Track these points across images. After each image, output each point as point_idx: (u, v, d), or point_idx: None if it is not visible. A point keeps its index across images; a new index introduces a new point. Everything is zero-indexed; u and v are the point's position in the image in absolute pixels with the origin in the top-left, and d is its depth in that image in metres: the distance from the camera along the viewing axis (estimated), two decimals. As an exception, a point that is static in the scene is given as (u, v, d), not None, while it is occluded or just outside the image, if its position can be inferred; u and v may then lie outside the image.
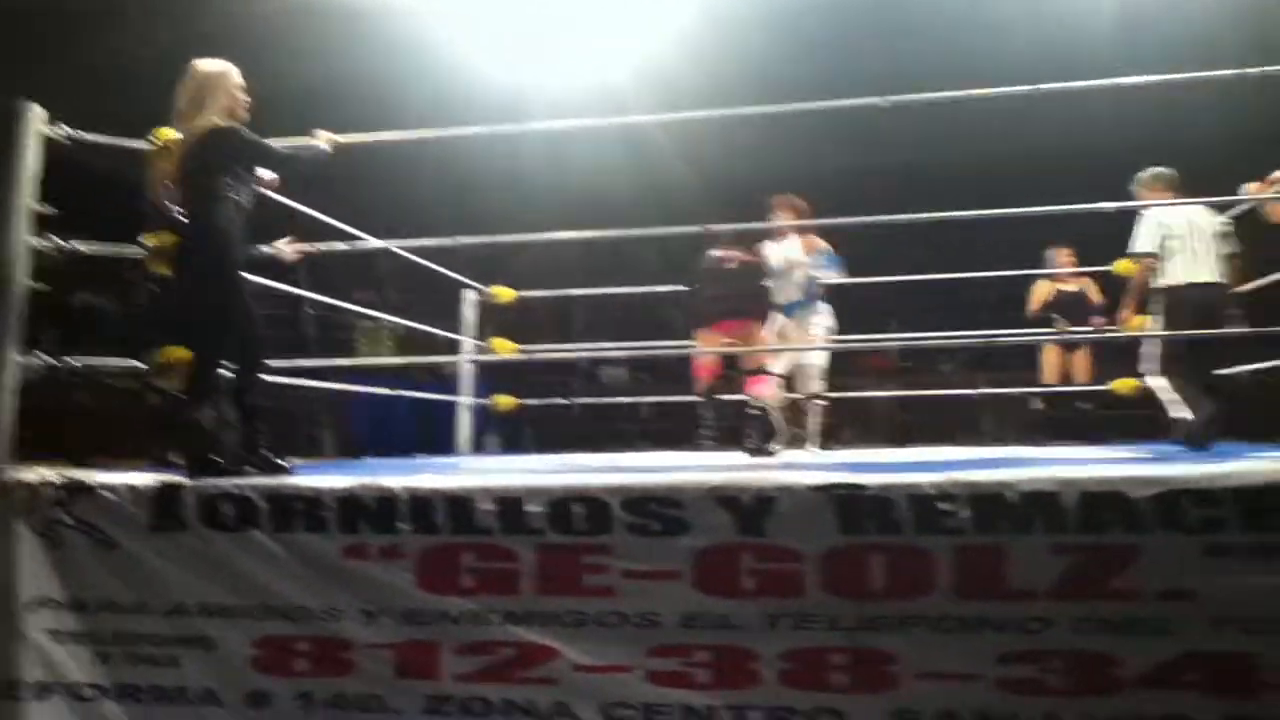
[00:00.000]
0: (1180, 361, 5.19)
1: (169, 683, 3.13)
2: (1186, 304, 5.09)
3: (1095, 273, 6.96)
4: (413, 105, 7.84)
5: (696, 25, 8.49)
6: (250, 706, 3.08)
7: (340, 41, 8.75)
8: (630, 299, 11.28)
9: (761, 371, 5.55)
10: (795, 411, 5.76)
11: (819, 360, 5.67)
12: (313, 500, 3.14)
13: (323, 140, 4.21)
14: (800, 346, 5.78)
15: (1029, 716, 2.72)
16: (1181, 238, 5.17)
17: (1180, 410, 5.20)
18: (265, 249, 4.53)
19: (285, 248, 4.45)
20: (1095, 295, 7.14)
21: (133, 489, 3.25)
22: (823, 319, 5.74)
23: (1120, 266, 5.86)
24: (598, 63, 8.85)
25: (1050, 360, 7.31)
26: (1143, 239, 5.24)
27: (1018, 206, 4.89)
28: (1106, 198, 4.70)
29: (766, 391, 5.51)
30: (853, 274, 7.36)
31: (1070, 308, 7.21)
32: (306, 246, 4.81)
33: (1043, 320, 7.27)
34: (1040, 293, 7.42)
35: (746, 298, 5.56)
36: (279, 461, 3.71)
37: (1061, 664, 2.73)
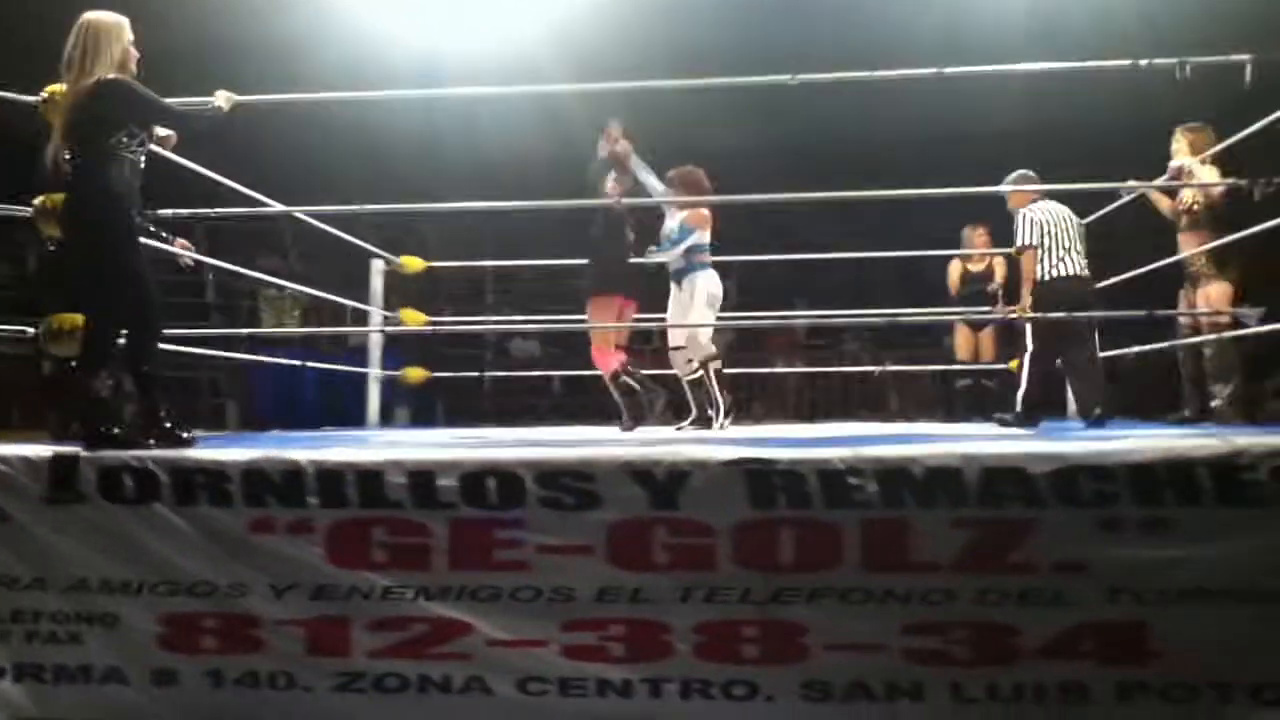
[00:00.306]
0: (1049, 348, 5.47)
1: (72, 661, 3.04)
2: (1057, 294, 5.35)
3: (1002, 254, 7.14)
4: (321, 67, 7.64)
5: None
6: (157, 685, 3.01)
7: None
8: (542, 271, 11.24)
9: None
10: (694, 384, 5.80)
11: (700, 330, 5.71)
12: (216, 473, 3.06)
13: (222, 99, 4.08)
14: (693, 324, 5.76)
15: (935, 686, 2.81)
16: (1053, 234, 5.41)
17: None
18: (163, 213, 4.40)
19: (183, 252, 4.35)
20: (1001, 276, 7.32)
21: (26, 460, 3.13)
22: (702, 284, 5.71)
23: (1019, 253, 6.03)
24: (510, 25, 8.72)
25: (961, 339, 7.51)
26: (1025, 233, 5.46)
27: (930, 186, 5.00)
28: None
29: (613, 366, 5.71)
30: (763, 250, 7.46)
31: (977, 287, 7.37)
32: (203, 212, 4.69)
33: (964, 299, 7.43)
34: (954, 273, 7.60)
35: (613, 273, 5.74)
36: (180, 433, 3.61)
37: (965, 634, 2.82)
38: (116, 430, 3.41)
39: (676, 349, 5.83)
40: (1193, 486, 2.80)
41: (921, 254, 7.54)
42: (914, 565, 2.85)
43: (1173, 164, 5.63)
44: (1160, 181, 5.72)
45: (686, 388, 5.80)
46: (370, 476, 3.02)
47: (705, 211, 5.74)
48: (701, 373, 5.63)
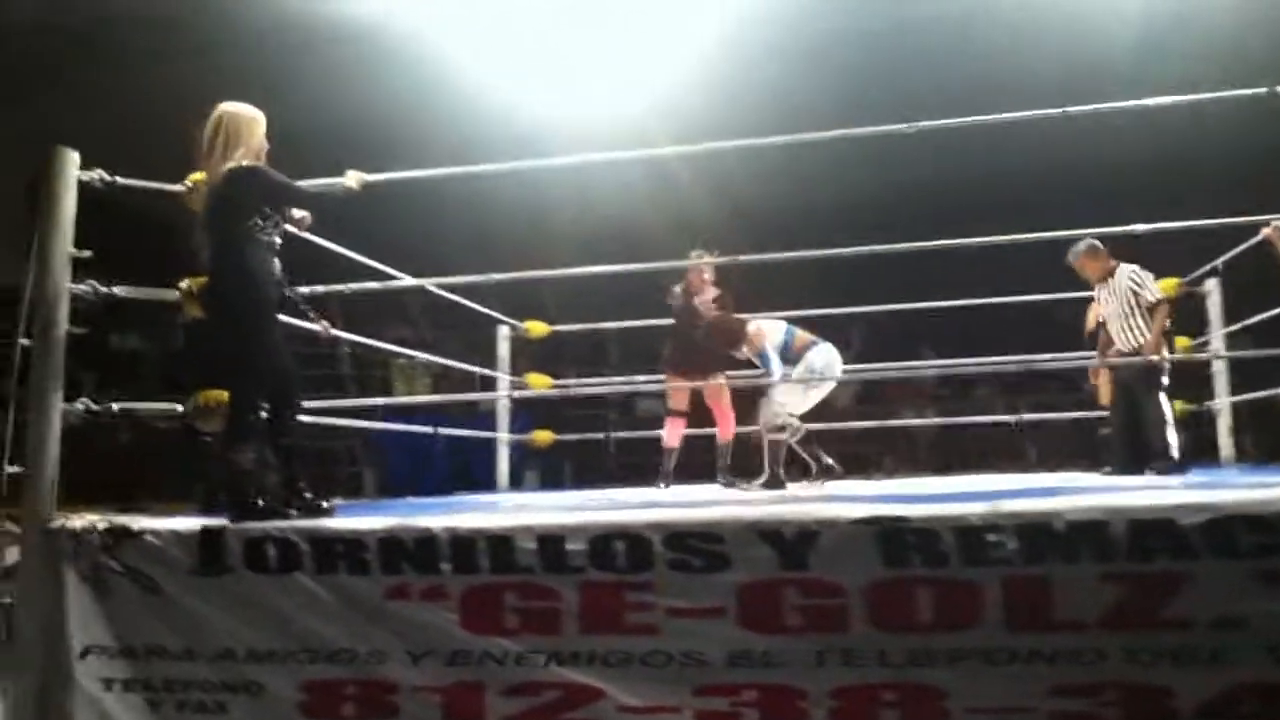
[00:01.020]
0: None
1: (218, 729, 3.13)
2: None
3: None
4: (432, 143, 7.91)
5: (715, 53, 8.52)
6: (300, 751, 3.08)
7: (360, 78, 8.86)
8: (663, 330, 11.29)
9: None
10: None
11: (774, 399, 5.91)
12: (354, 542, 3.14)
13: (352, 179, 4.25)
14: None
15: (1086, 751, 2.67)
16: None
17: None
18: (300, 290, 4.57)
19: (318, 327, 4.52)
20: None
21: (176, 533, 3.27)
22: (805, 361, 5.89)
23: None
24: (617, 93, 8.90)
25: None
26: (1152, 288, 5.69)
27: (1048, 228, 4.87)
28: (1138, 217, 4.66)
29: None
30: (883, 300, 7.34)
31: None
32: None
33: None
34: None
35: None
36: (320, 502, 3.72)
37: (1115, 696, 2.68)
38: (260, 502, 3.53)
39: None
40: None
41: (1049, 297, 7.30)
42: (1059, 624, 2.73)
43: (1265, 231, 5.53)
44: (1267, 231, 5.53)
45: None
46: (501, 542, 3.05)
47: (760, 330, 5.97)
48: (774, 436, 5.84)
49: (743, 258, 5.58)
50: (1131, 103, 4.82)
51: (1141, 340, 5.66)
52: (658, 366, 7.03)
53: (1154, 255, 6.10)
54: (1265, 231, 5.63)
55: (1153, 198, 5.69)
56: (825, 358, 5.88)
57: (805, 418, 6.03)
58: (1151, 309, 5.62)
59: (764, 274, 6.28)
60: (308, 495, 3.71)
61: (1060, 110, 4.45)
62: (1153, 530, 2.71)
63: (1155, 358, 5.49)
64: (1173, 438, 5.45)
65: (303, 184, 3.96)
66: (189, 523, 3.35)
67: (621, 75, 8.92)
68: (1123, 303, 5.76)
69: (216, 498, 4.66)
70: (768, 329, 6.00)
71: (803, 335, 5.99)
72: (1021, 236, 4.93)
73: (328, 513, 3.61)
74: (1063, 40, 8.31)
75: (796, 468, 6.01)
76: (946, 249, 4.82)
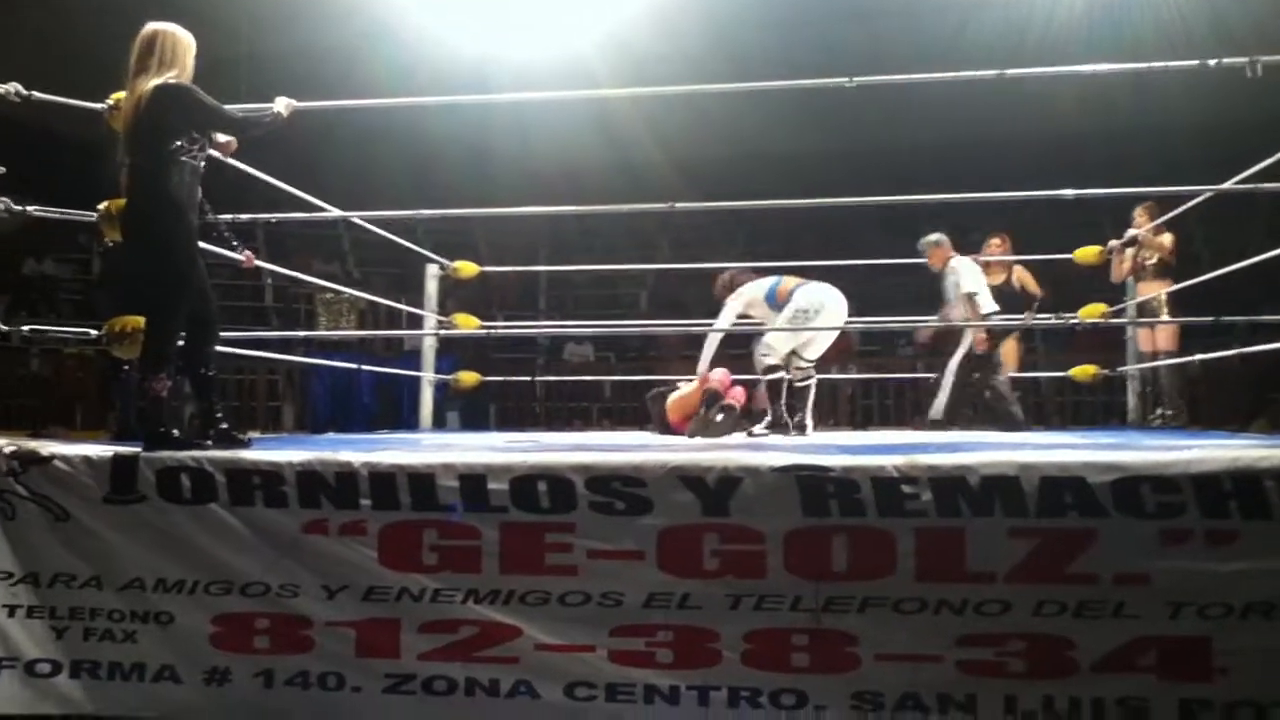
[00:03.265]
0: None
1: (126, 659, 3.08)
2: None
3: (1042, 261, 7.08)
4: (375, 76, 7.73)
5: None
6: (209, 683, 3.04)
7: (300, 8, 8.60)
8: (595, 275, 11.25)
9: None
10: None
11: (767, 339, 5.88)
12: (272, 474, 3.09)
13: (281, 105, 4.13)
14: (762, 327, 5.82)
15: (988, 699, 2.75)
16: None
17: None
18: (223, 218, 4.46)
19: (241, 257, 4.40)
20: (1031, 285, 7.24)
21: (88, 460, 3.19)
22: (793, 300, 5.83)
23: (1086, 253, 6.11)
24: (564, 33, 8.76)
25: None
26: (973, 280, 6.50)
27: (986, 190, 4.93)
28: (1075, 186, 4.74)
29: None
30: (816, 257, 7.40)
31: (995, 297, 7.24)
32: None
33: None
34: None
35: None
36: (236, 434, 3.66)
37: (1020, 647, 2.76)
38: (175, 431, 3.45)
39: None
40: (1260, 499, 2.72)
41: (975, 258, 7.41)
42: (969, 575, 2.80)
43: (1129, 233, 6.68)
44: (1114, 243, 6.70)
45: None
46: (422, 479, 3.03)
47: (728, 285, 6.00)
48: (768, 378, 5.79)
49: (679, 205, 5.57)
50: (1067, 68, 4.89)
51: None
52: (585, 313, 7.01)
53: (1084, 225, 6.27)
54: (1137, 232, 6.59)
55: (1094, 168, 5.79)
56: (810, 296, 5.80)
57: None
58: (968, 297, 6.42)
59: (703, 224, 6.29)
60: (224, 426, 3.65)
61: (996, 72, 4.49)
62: (1063, 487, 2.78)
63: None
64: (940, 400, 6.49)
65: (231, 108, 3.85)
66: (101, 449, 3.27)
67: (568, 14, 8.77)
68: (950, 291, 6.60)
69: (130, 426, 4.57)
70: (748, 288, 5.96)
71: (789, 280, 5.93)
72: (951, 197, 4.98)
73: (244, 444, 3.55)
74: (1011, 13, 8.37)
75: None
76: (880, 207, 4.85)
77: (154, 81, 3.59)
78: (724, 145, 10.42)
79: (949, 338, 6.80)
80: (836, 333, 6.03)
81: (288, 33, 8.80)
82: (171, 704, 3.06)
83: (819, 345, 5.98)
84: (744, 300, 5.95)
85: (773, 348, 5.79)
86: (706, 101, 8.20)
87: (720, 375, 5.81)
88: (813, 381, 6.01)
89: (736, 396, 5.71)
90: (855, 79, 4.49)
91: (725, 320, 5.95)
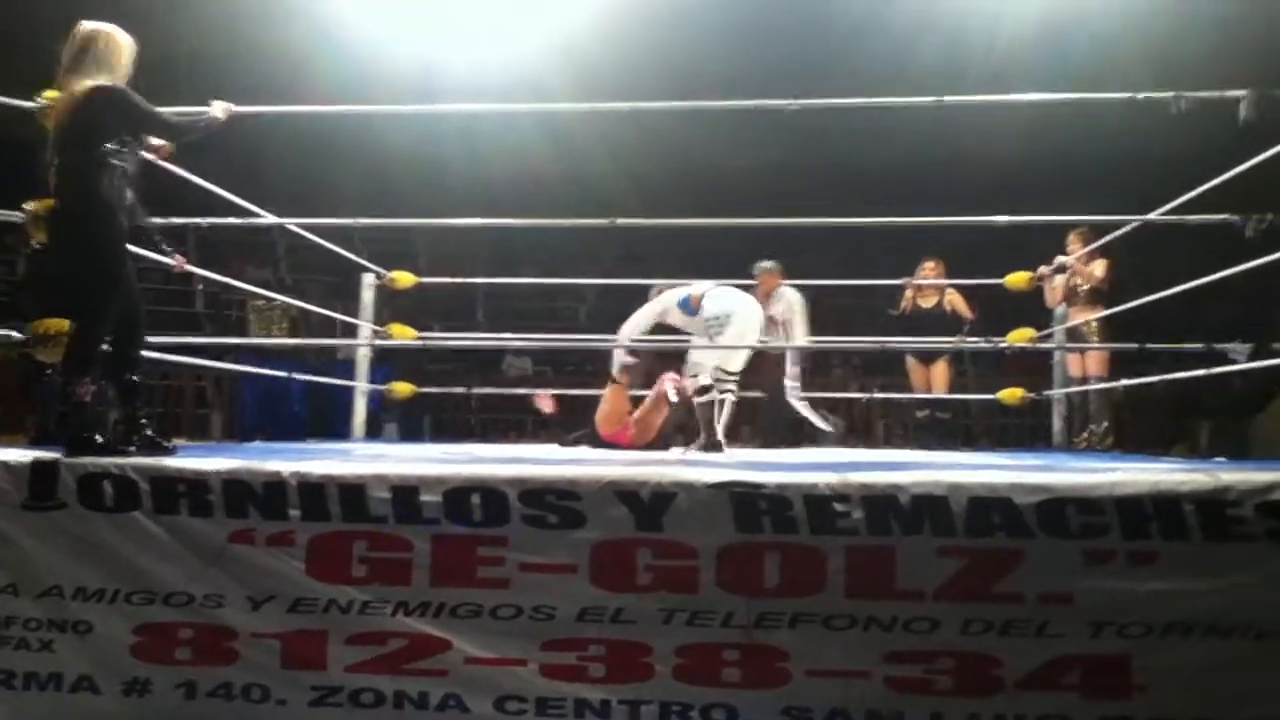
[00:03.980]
0: None
1: (43, 669, 2.99)
2: None
3: (978, 286, 7.22)
4: (324, 84, 7.65)
5: (613, 9, 8.43)
6: (128, 694, 2.97)
7: (243, 8, 8.48)
8: (535, 288, 11.22)
9: None
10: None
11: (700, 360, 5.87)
12: (197, 483, 3.03)
13: (218, 109, 4.07)
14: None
15: (915, 715, 2.79)
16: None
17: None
18: (153, 221, 4.38)
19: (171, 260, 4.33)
20: (962, 308, 7.38)
21: (5, 465, 3.10)
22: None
23: (1016, 279, 6.24)
24: (513, 42, 8.74)
25: (915, 372, 7.59)
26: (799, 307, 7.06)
27: (929, 214, 5.02)
28: (1012, 212, 4.84)
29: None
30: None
31: (927, 321, 7.37)
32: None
33: (907, 329, 7.46)
34: (905, 301, 7.63)
35: None
36: (162, 441, 3.58)
37: (947, 664, 2.80)
38: (98, 437, 3.37)
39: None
40: (1179, 521, 2.79)
41: (906, 283, 7.52)
42: (898, 593, 2.83)
43: (1059, 260, 6.84)
44: (1044, 270, 6.79)
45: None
46: (353, 490, 2.99)
47: (662, 298, 5.98)
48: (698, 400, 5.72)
49: (621, 220, 5.57)
50: (1002, 97, 5.00)
51: None
52: (524, 325, 7.00)
53: (1020, 249, 6.41)
54: (1067, 260, 6.76)
55: (1038, 193, 5.93)
56: (718, 303, 5.74)
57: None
58: (782, 323, 6.94)
59: (648, 238, 6.30)
60: (149, 433, 3.58)
61: (935, 99, 4.58)
62: (990, 507, 2.83)
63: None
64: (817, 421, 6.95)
65: (166, 111, 3.79)
66: (19, 455, 3.18)
67: (516, 23, 8.74)
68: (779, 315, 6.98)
69: (50, 430, 4.45)
70: (669, 293, 5.94)
71: (700, 285, 5.89)
72: (890, 220, 5.06)
73: (169, 452, 3.48)
74: (954, 40, 8.52)
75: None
76: (820, 228, 4.91)
77: (88, 82, 3.52)
78: (670, 159, 10.48)
79: (763, 367, 6.97)
80: (753, 341, 5.97)
81: (230, 35, 8.67)
82: (89, 715, 2.97)
83: (740, 356, 5.93)
84: (662, 304, 5.93)
85: (701, 365, 5.72)
86: (653, 117, 8.24)
87: (672, 377, 5.82)
88: (731, 398, 5.91)
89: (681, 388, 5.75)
90: (797, 101, 4.55)
91: (639, 317, 5.92)
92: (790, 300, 7.07)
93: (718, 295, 5.80)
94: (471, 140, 9.77)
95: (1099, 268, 6.83)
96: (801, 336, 7.01)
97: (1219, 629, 2.75)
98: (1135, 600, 2.77)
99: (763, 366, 6.88)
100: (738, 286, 6.13)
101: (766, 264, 7.12)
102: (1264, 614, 2.75)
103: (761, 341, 6.32)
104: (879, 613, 2.83)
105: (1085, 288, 6.85)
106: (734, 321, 5.69)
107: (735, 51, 8.71)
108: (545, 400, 6.46)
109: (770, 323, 6.79)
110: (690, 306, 5.81)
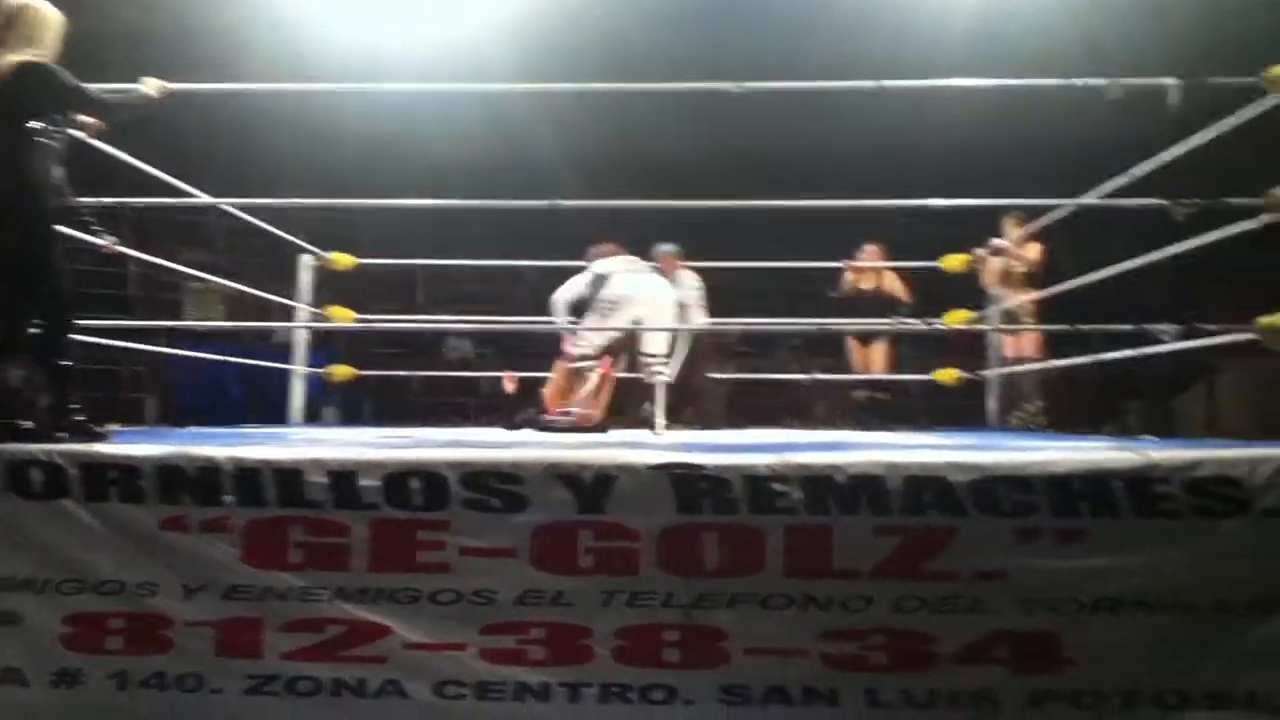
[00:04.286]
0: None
1: (-31, 660, 2.93)
2: None
3: (916, 269, 7.32)
4: (265, 62, 7.51)
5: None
6: (58, 686, 2.90)
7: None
8: (477, 271, 11.14)
9: None
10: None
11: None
12: (129, 469, 2.98)
13: (151, 87, 3.98)
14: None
15: (851, 691, 2.82)
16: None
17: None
18: (84, 201, 4.29)
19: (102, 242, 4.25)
20: (900, 291, 7.50)
21: (-70, 453, 3.02)
22: None
23: (953, 261, 6.34)
24: (455, 23, 8.63)
25: (855, 353, 7.73)
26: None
27: (870, 199, 5.06)
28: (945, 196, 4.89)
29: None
30: (701, 257, 7.50)
31: (866, 303, 7.48)
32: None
33: (844, 311, 7.57)
34: (845, 283, 7.72)
35: None
36: (93, 427, 3.51)
37: (882, 640, 2.84)
38: (26, 423, 3.30)
39: None
40: (1108, 498, 2.85)
41: (845, 265, 7.61)
42: (835, 571, 2.87)
43: (994, 242, 6.89)
44: (980, 252, 6.81)
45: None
46: (289, 475, 2.96)
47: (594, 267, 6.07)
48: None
49: (562, 203, 5.55)
50: (941, 82, 5.05)
51: None
52: (465, 308, 6.98)
53: (954, 236, 6.49)
54: (1002, 243, 6.85)
55: (973, 179, 5.99)
56: (617, 289, 5.84)
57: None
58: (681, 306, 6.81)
59: (589, 221, 6.28)
60: (80, 418, 3.50)
61: (875, 84, 4.61)
62: (925, 486, 2.87)
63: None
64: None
65: (96, 87, 3.69)
66: (-56, 441, 3.10)
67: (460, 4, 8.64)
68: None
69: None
70: (599, 263, 6.00)
71: (618, 263, 5.99)
72: (831, 203, 5.10)
73: (101, 437, 3.41)
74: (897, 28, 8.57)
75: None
76: (762, 211, 4.93)
77: (13, 58, 3.43)
78: (614, 141, 10.45)
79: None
80: (665, 324, 6.03)
81: (166, 10, 8.48)
82: (17, 708, 2.91)
83: (654, 339, 5.98)
84: (592, 273, 5.99)
85: (586, 338, 5.83)
86: (598, 99, 8.21)
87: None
88: (660, 379, 5.97)
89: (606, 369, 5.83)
90: (741, 85, 4.56)
91: (568, 288, 5.95)
92: (688, 283, 7.10)
93: (623, 280, 5.86)
94: (413, 121, 9.65)
95: (1033, 251, 6.96)
96: (698, 319, 7.04)
97: (1146, 603, 2.82)
98: (1065, 577, 2.83)
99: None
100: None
101: (667, 247, 7.13)
102: (1190, 588, 2.82)
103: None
104: (816, 591, 2.86)
105: (1020, 270, 6.97)
106: (628, 306, 5.79)
107: (680, 35, 8.69)
108: (510, 380, 6.41)
109: (680, 309, 6.81)
110: (596, 283, 5.87)
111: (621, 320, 5.82)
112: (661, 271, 6.75)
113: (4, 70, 3.42)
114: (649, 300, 5.92)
